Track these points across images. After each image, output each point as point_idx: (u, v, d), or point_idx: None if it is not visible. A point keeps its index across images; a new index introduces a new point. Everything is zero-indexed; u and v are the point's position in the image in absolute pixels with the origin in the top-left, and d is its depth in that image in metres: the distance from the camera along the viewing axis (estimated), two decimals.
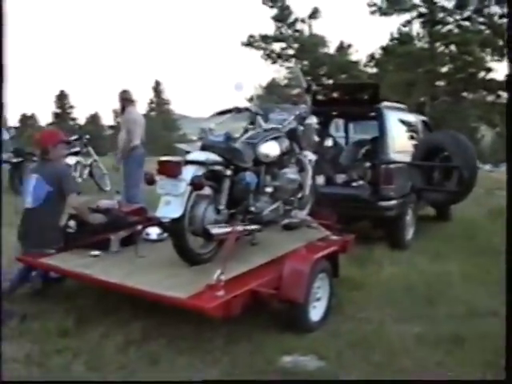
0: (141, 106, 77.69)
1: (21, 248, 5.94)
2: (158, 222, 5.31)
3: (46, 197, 5.82)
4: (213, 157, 5.26)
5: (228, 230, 5.21)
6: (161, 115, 75.66)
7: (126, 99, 9.88)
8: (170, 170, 4.94)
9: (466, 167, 7.85)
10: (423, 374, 4.58)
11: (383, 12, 41.38)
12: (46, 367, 4.42)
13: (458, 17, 39.91)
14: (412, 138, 9.85)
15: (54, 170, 5.99)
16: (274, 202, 6.11)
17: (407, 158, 8.82)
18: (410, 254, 8.60)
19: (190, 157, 5.19)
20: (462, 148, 7.96)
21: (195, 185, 4.92)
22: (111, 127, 70.27)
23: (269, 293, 4.94)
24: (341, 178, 9.56)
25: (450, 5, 39.65)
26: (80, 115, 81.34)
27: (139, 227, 6.05)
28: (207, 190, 5.27)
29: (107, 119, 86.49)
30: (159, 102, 78.89)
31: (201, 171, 5.04)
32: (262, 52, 48.82)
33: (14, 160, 13.15)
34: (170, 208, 4.92)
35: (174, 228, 5.07)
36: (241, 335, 5.03)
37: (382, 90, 9.78)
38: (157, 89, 79.25)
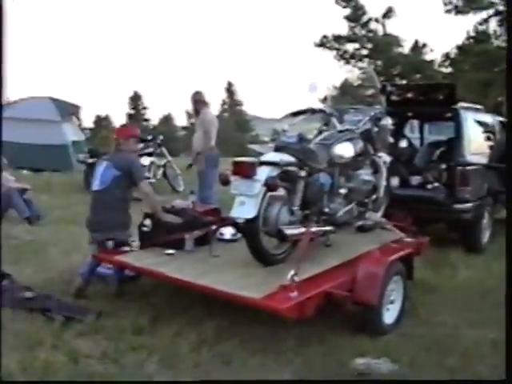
0: (213, 107, 78.14)
1: (89, 236, 6.12)
2: (232, 222, 5.32)
3: (112, 180, 5.98)
4: (287, 158, 5.25)
5: (302, 231, 5.20)
6: (233, 116, 75.84)
7: (198, 101, 10.01)
8: (245, 171, 4.97)
9: None
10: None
11: (459, 10, 40.40)
12: (120, 364, 4.48)
13: None
14: (489, 139, 9.63)
15: (123, 157, 6.18)
16: (348, 204, 6.08)
17: (484, 160, 8.65)
18: (485, 257, 8.42)
19: (264, 158, 5.21)
20: None
21: (269, 186, 4.93)
22: (184, 128, 70.83)
23: (342, 295, 4.90)
24: (415, 179, 9.39)
25: None
26: (153, 116, 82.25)
27: (213, 227, 6.10)
28: (281, 191, 5.28)
29: (180, 120, 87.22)
30: (232, 103, 79.13)
31: (275, 172, 5.04)
32: (334, 52, 48.42)
33: (90, 160, 13.47)
34: (245, 208, 4.95)
35: (247, 228, 5.09)
36: (314, 337, 5.02)
37: (458, 90, 9.59)
38: (229, 90, 79.51)
